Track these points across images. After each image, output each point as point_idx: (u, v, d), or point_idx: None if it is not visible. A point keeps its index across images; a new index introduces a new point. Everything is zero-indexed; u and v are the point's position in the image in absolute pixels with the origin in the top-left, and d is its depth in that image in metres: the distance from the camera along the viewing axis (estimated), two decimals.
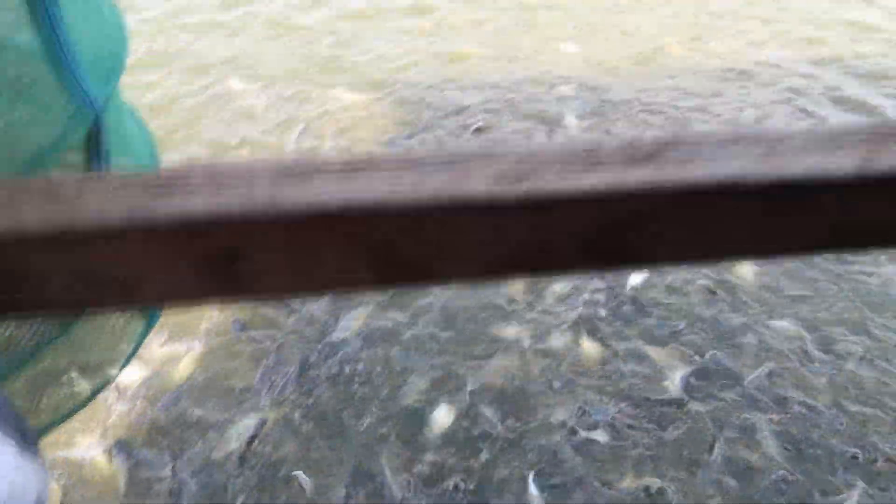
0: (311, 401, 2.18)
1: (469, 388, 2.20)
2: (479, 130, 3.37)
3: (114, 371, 1.00)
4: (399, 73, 3.98)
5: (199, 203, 0.34)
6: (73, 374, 0.93)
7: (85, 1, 0.77)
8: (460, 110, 3.62)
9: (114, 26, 0.83)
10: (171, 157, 3.10)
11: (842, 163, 0.36)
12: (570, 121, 3.50)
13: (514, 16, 4.60)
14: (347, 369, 2.27)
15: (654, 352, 2.31)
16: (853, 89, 3.67)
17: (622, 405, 2.14)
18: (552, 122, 3.49)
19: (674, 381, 2.21)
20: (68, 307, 0.36)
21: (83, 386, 0.95)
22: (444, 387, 2.21)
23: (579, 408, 2.13)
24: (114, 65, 0.79)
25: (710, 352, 2.31)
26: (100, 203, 0.35)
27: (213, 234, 0.34)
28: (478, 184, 0.35)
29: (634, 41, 4.28)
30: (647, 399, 2.17)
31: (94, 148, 0.75)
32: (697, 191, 0.35)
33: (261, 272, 0.35)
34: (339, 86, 3.85)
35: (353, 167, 0.36)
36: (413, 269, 0.36)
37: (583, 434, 2.06)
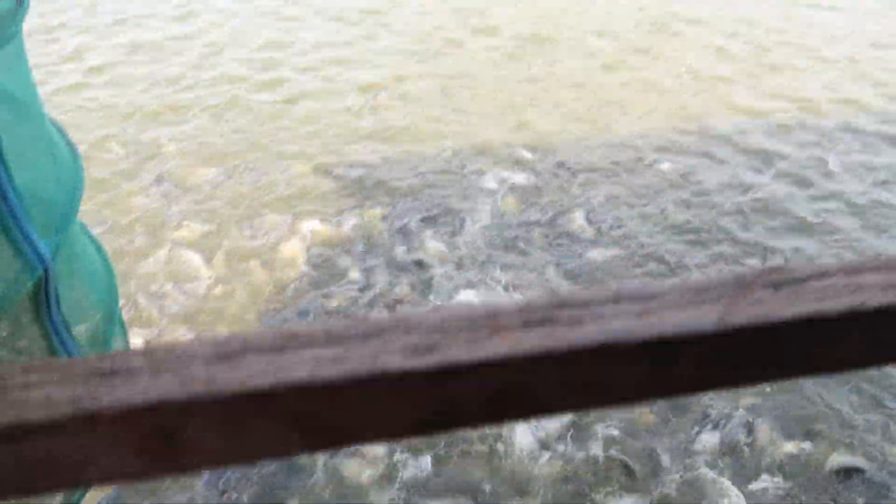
0: None
1: None
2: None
3: None
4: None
5: (139, 388, 0.38)
6: None
7: (32, 141, 0.73)
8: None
9: (67, 168, 0.79)
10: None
11: (705, 318, 0.42)
12: None
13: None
14: None
15: None
16: None
17: None
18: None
19: None
20: (13, 493, 0.38)
21: None
22: None
23: None
24: (66, 211, 0.77)
25: None
26: (47, 394, 0.38)
27: (153, 417, 0.38)
28: (393, 357, 0.39)
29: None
30: None
31: (42, 299, 0.74)
32: (584, 350, 0.40)
33: (197, 448, 0.39)
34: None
35: (280, 345, 0.40)
36: (337, 433, 0.40)
37: None
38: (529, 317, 0.42)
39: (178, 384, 0.38)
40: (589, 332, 0.41)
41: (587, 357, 0.41)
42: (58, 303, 0.78)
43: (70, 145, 0.87)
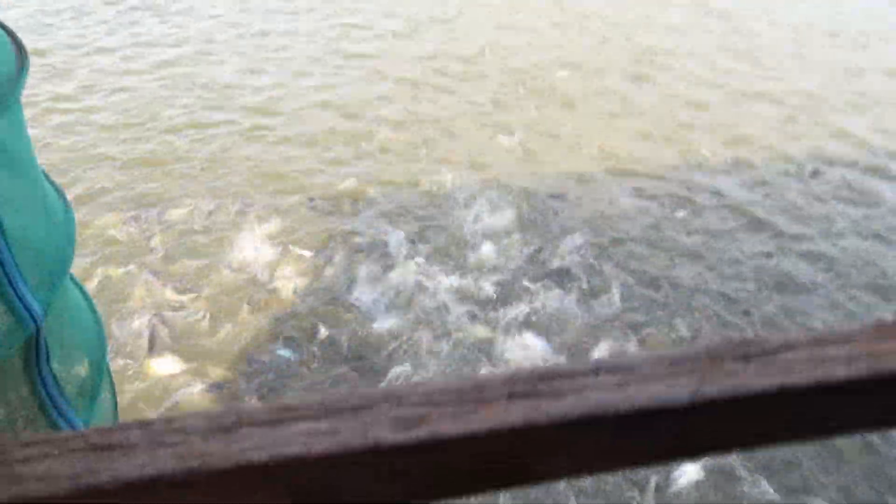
0: None
1: None
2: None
3: None
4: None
5: (137, 463, 0.39)
6: None
7: (28, 198, 0.73)
8: None
9: (59, 223, 0.79)
10: None
11: (679, 391, 0.44)
12: None
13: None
14: None
15: None
16: None
17: None
18: None
19: None
20: None
21: None
22: None
23: None
24: (59, 267, 0.77)
25: None
26: (46, 469, 0.39)
27: (151, 492, 0.39)
28: (383, 430, 0.41)
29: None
30: None
31: (33, 355, 0.75)
32: (566, 422, 0.42)
33: None
34: None
35: (274, 418, 0.42)
36: (328, 500, 0.42)
37: None
38: (514, 389, 0.44)
39: (175, 459, 0.39)
40: (570, 405, 0.43)
41: (568, 429, 0.43)
42: (48, 357, 0.78)
43: (63, 199, 0.87)
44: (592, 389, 0.44)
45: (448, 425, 0.41)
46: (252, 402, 2.82)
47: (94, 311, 0.99)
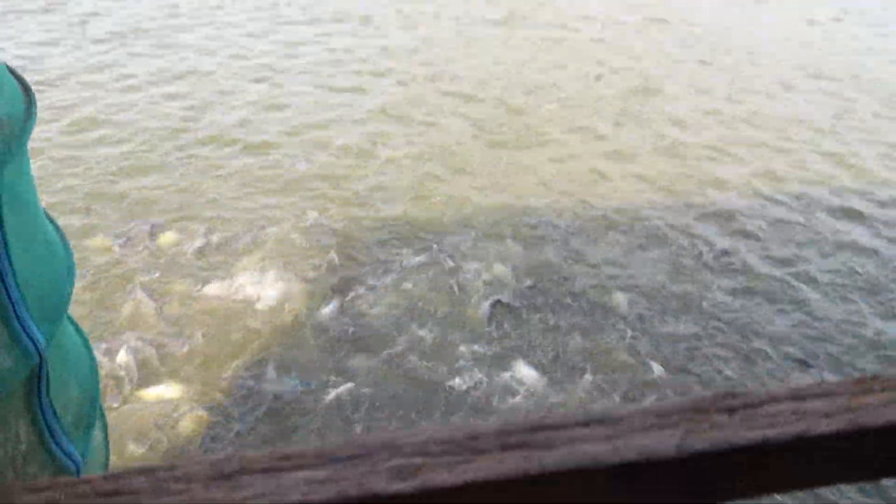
0: None
1: None
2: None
3: None
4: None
5: None
6: None
7: (32, 237, 0.75)
8: None
9: (60, 259, 0.82)
10: None
11: (666, 443, 0.46)
12: None
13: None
14: None
15: None
16: None
17: None
18: None
19: None
20: None
21: None
22: None
23: None
24: (61, 300, 0.79)
25: None
26: None
27: None
28: (379, 480, 0.42)
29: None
30: None
31: (34, 387, 0.76)
32: (557, 473, 0.44)
33: None
34: None
35: (274, 466, 0.43)
36: None
37: None
38: (507, 440, 0.46)
39: None
40: (561, 456, 0.44)
41: (559, 479, 0.44)
42: (48, 389, 0.80)
43: (62, 235, 0.90)
44: (583, 441, 0.46)
45: (443, 475, 0.43)
46: (252, 433, 2.81)
47: (87, 345, 1.00)
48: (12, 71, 0.73)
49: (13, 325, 0.70)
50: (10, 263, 0.69)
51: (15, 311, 0.70)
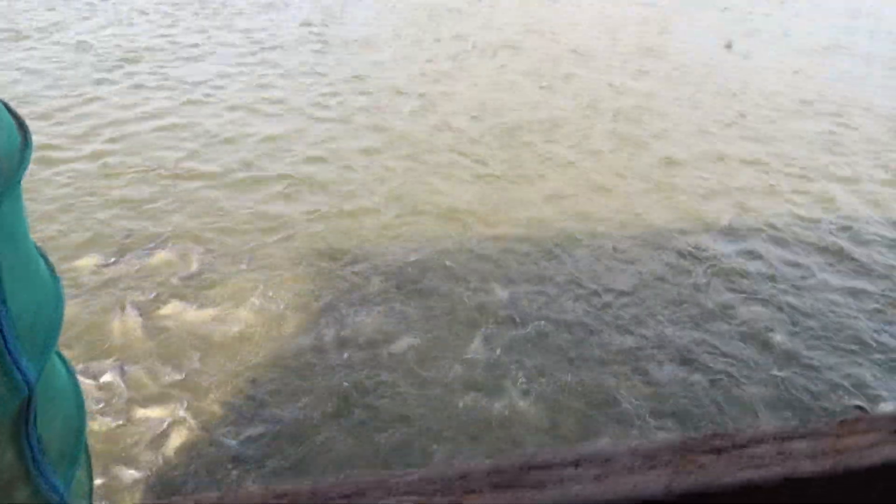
0: None
1: None
2: None
3: None
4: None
5: None
6: None
7: (24, 271, 0.76)
8: None
9: (49, 292, 0.82)
10: None
11: (654, 484, 0.46)
12: None
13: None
14: None
15: None
16: None
17: None
18: None
19: None
20: None
21: None
22: None
23: None
24: (50, 334, 0.80)
25: None
26: None
27: None
28: None
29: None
30: None
31: (22, 420, 0.76)
32: None
33: None
34: None
35: None
36: None
37: None
38: (498, 479, 0.46)
39: None
40: (551, 496, 0.45)
41: None
42: (35, 422, 0.80)
43: (51, 268, 0.90)
44: (573, 481, 0.46)
45: None
46: (244, 458, 2.80)
47: (74, 378, 1.00)
48: (6, 106, 0.74)
49: (4, 359, 0.71)
50: (4, 299, 0.70)
51: (7, 345, 0.71)
